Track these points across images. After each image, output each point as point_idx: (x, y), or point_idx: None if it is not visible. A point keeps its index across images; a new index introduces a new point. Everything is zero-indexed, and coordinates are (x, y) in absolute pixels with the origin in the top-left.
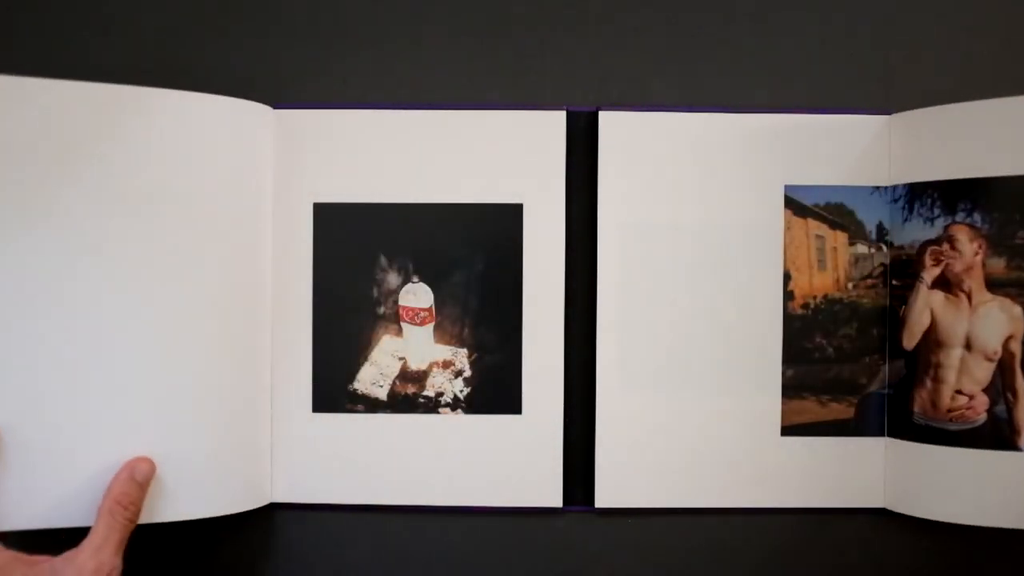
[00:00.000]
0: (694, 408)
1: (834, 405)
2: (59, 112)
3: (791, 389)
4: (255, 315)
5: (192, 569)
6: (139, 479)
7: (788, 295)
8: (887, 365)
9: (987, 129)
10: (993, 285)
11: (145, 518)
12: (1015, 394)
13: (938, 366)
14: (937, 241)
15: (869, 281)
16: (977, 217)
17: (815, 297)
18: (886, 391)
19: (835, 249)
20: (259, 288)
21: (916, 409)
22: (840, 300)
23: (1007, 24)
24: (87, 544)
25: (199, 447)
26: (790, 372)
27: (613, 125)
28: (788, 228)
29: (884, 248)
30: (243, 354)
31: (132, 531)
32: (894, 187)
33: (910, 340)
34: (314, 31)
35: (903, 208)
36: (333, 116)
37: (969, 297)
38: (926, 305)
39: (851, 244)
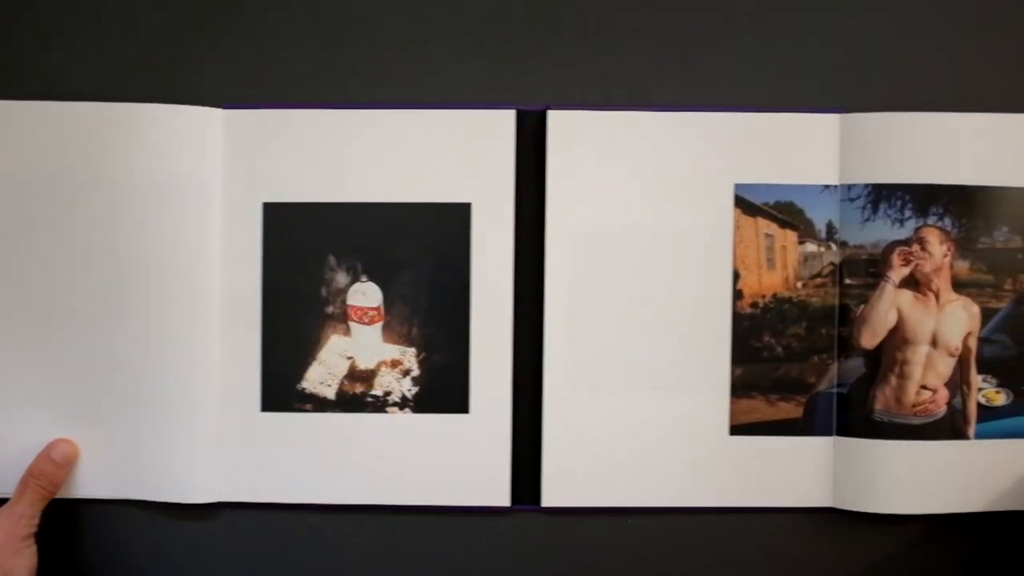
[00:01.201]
0: (642, 407)
1: (782, 404)
2: (17, 130)
3: (740, 388)
4: (204, 314)
5: (140, 565)
6: (56, 458)
7: (737, 294)
8: (837, 364)
9: (954, 140)
10: (957, 285)
11: (72, 493)
12: (969, 386)
13: (904, 363)
14: (906, 242)
15: (818, 280)
16: (948, 221)
17: (764, 296)
18: (835, 390)
19: (784, 248)
20: (208, 287)
21: (878, 406)
22: (789, 299)
23: (959, 28)
24: (7, 504)
25: (139, 437)
26: (739, 371)
27: (562, 124)
28: (737, 227)
29: (834, 247)
30: (190, 351)
31: (49, 496)
32: (849, 186)
33: (872, 338)
34: (265, 30)
35: (864, 208)
36: (282, 116)
37: (937, 297)
38: (892, 304)
39: (801, 243)
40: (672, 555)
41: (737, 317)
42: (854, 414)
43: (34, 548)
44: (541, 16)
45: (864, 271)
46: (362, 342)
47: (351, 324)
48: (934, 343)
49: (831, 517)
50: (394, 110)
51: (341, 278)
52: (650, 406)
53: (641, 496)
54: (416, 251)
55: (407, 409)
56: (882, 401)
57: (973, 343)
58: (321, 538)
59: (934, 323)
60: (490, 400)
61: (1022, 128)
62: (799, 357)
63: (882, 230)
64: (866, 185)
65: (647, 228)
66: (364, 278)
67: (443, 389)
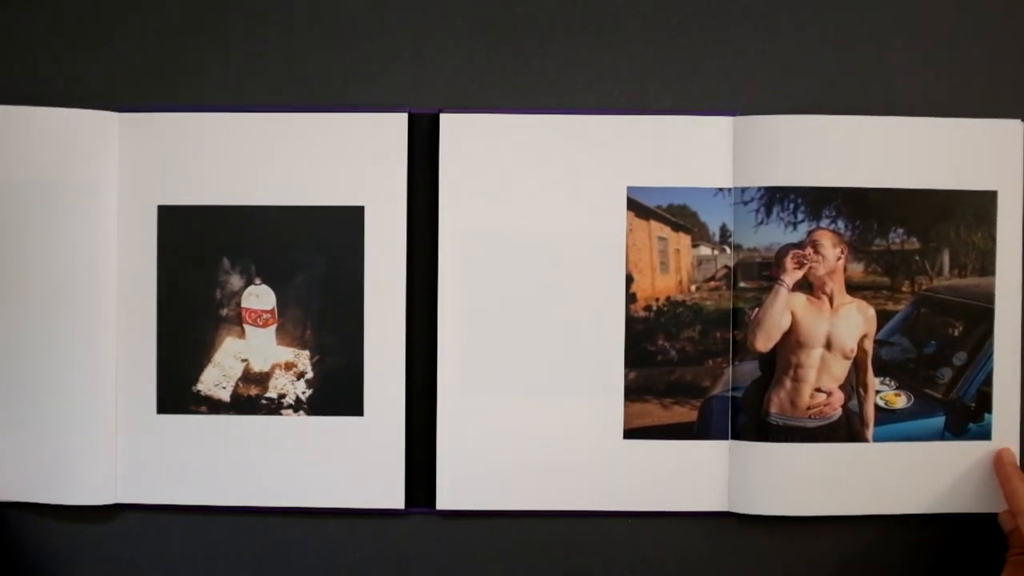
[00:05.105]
0: (536, 410)
1: (677, 408)
2: None
3: (633, 392)
4: (100, 316)
5: (36, 568)
6: None
7: (630, 297)
8: (731, 367)
9: (848, 142)
10: (851, 288)
11: None
12: (866, 389)
13: (799, 366)
14: (799, 245)
15: (712, 283)
16: (841, 223)
17: (657, 299)
18: (730, 393)
19: (678, 251)
20: (104, 289)
21: (773, 409)
22: (683, 302)
23: (851, 31)
24: None
25: (35, 439)
26: (632, 375)
27: (454, 127)
28: (631, 230)
29: (728, 250)
30: (86, 354)
31: None
32: (742, 189)
33: (766, 342)
34: (160, 33)
35: (757, 211)
36: (177, 119)
37: (831, 299)
38: (786, 307)
39: (694, 246)
40: (566, 559)
41: (631, 320)
42: (749, 417)
43: None
44: (436, 20)
45: (758, 274)
46: (256, 345)
47: (245, 327)
48: (828, 346)
49: (726, 521)
50: (287, 113)
51: (235, 280)
52: (544, 409)
53: (536, 499)
54: (310, 254)
55: (301, 411)
56: (777, 404)
57: (869, 345)
58: (216, 540)
59: (828, 326)
60: (384, 402)
61: (915, 130)
62: (693, 360)
63: (776, 233)
64: (759, 188)
65: (540, 231)
66: (258, 281)
67: (337, 391)
